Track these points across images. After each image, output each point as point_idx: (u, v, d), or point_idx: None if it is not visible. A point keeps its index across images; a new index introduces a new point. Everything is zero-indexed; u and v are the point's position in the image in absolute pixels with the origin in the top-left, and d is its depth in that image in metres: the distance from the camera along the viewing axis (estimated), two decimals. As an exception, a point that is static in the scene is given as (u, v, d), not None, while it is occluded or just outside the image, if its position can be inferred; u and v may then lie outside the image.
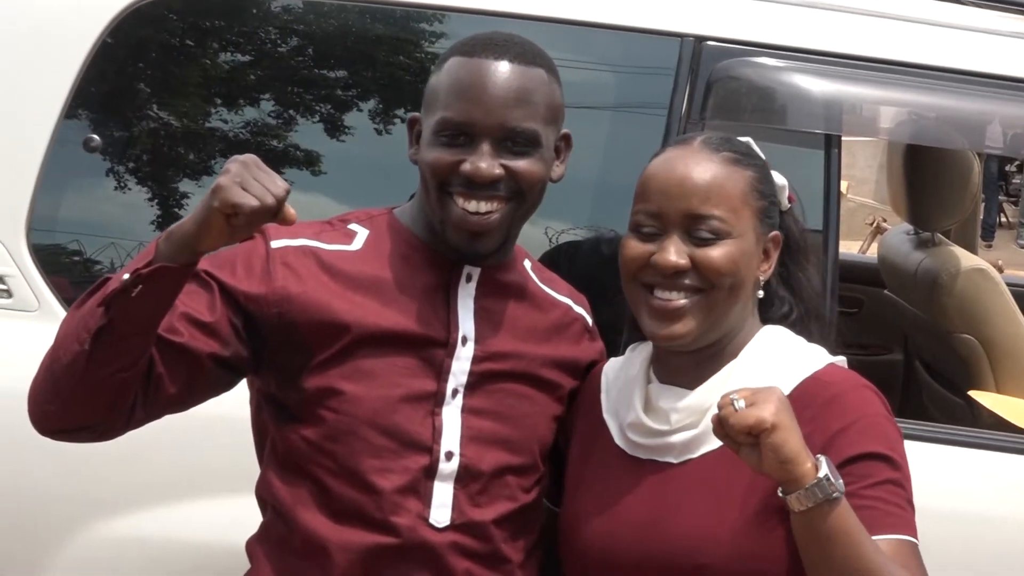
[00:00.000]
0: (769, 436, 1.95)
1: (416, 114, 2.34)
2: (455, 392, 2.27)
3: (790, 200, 2.34)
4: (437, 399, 2.26)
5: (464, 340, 2.28)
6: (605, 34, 3.06)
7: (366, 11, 3.21)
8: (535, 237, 2.89)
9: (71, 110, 2.95)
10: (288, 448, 2.26)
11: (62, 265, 3.00)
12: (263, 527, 2.32)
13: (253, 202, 1.97)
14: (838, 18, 3.09)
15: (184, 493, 2.81)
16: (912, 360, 4.59)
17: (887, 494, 2.10)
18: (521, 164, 2.24)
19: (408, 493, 2.23)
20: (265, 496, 2.31)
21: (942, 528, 2.58)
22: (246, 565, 2.32)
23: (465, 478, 2.26)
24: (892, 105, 3.24)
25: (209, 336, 2.19)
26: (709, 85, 2.94)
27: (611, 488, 2.25)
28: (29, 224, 2.90)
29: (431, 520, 2.24)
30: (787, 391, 2.10)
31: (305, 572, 2.24)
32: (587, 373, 2.42)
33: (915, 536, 2.10)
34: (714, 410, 2.04)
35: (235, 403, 2.37)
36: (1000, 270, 5.05)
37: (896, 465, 2.13)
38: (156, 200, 3.08)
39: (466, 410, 2.27)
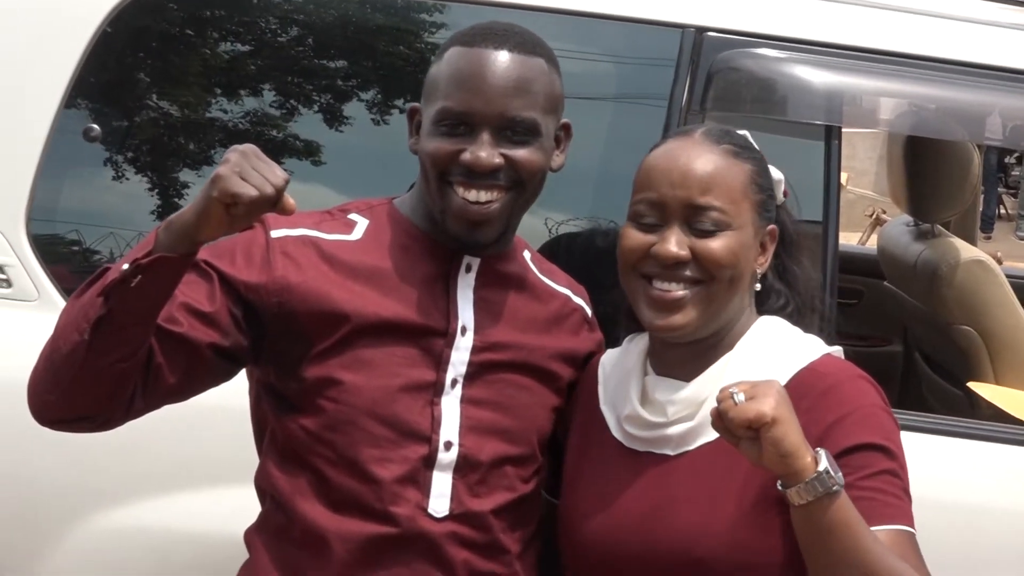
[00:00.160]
0: (769, 430, 1.95)
1: (416, 104, 2.34)
2: (454, 382, 2.27)
3: (784, 194, 2.34)
4: (436, 389, 2.26)
5: (463, 330, 2.28)
6: (606, 24, 3.06)
7: (366, 1, 3.21)
8: (535, 227, 2.88)
9: (71, 100, 2.95)
10: (287, 438, 2.26)
11: (62, 255, 3.00)
12: (262, 517, 2.32)
13: (252, 192, 1.96)
14: (839, 9, 3.08)
15: (183, 483, 2.81)
16: (911, 351, 4.59)
17: (884, 484, 2.10)
18: (521, 153, 2.24)
19: (407, 483, 2.23)
20: (264, 486, 2.31)
21: (941, 519, 2.59)
22: (245, 555, 2.32)
23: (464, 468, 2.26)
24: (892, 97, 3.24)
25: (209, 326, 2.19)
26: (710, 76, 2.94)
27: (609, 481, 2.25)
28: (29, 214, 2.90)
29: (430, 510, 2.24)
30: (783, 382, 2.10)
31: (304, 562, 2.24)
32: (586, 364, 2.42)
33: (912, 526, 2.10)
34: (710, 402, 2.04)
35: (234, 393, 2.37)
36: (999, 262, 5.05)
37: (892, 455, 2.14)
38: (156, 190, 3.08)
39: (465, 400, 2.27)
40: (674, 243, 2.19)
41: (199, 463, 2.81)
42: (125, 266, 2.02)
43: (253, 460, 2.35)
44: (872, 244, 7.17)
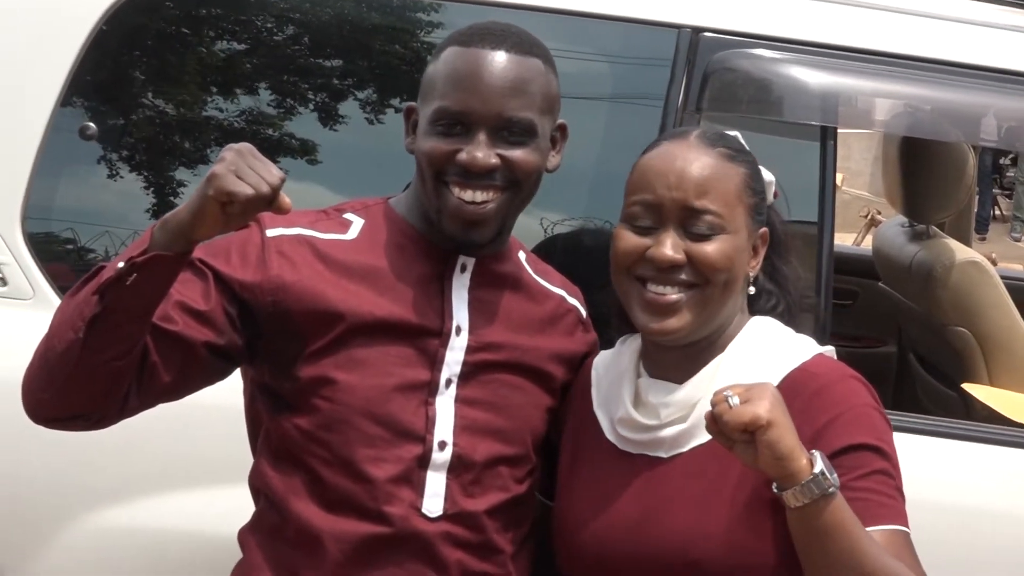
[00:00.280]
0: (765, 433, 1.95)
1: (413, 103, 2.34)
2: (448, 382, 2.27)
3: (774, 195, 2.34)
4: (431, 389, 2.26)
5: (458, 330, 2.29)
6: (602, 24, 3.06)
7: (362, 0, 3.21)
8: (530, 228, 2.89)
9: (67, 98, 2.94)
10: (281, 437, 2.26)
11: (57, 253, 3.00)
12: (256, 516, 2.32)
13: (248, 190, 1.96)
14: (835, 10, 3.08)
15: (178, 482, 2.81)
16: (906, 352, 4.59)
17: (878, 485, 2.10)
18: (517, 153, 2.24)
19: (401, 483, 2.23)
20: (258, 485, 2.31)
21: (935, 521, 2.59)
22: (238, 555, 2.32)
23: (458, 468, 2.26)
24: (888, 97, 3.24)
25: (203, 324, 2.19)
26: (706, 76, 2.94)
27: (603, 484, 2.25)
28: (24, 212, 2.90)
29: (424, 510, 2.24)
30: (775, 383, 2.11)
31: (297, 561, 2.24)
32: (581, 365, 2.42)
33: (907, 525, 2.11)
34: (703, 404, 2.04)
35: (229, 392, 2.37)
36: (994, 263, 5.07)
37: (885, 455, 2.14)
38: (152, 188, 3.07)
39: (459, 400, 2.27)
40: (670, 246, 2.19)
41: (193, 462, 2.81)
42: (120, 264, 2.02)
43: (247, 459, 2.35)
44: (867, 245, 7.18)
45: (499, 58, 2.24)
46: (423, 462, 2.24)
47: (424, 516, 2.24)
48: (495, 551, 2.30)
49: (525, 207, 2.34)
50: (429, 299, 2.29)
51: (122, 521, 2.79)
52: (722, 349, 2.25)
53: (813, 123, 3.02)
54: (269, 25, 3.20)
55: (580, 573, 2.27)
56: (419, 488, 2.24)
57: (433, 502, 2.24)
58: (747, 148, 2.31)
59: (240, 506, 2.35)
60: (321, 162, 3.13)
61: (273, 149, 3.05)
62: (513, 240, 2.42)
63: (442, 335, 2.28)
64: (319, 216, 2.33)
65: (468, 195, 2.23)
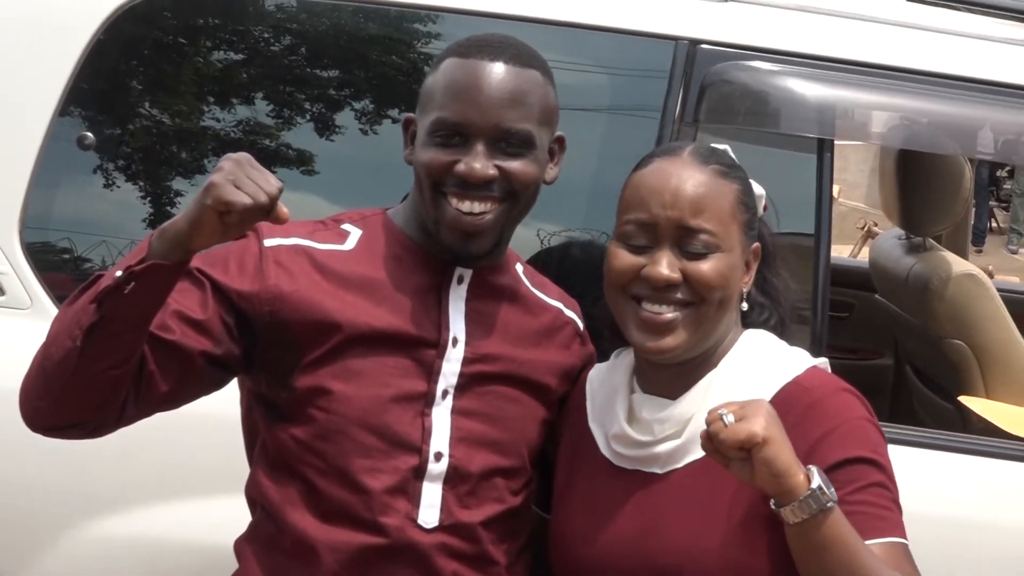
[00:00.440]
0: (761, 450, 1.95)
1: (411, 115, 2.34)
2: (445, 393, 2.27)
3: (764, 208, 2.34)
4: (427, 400, 2.26)
5: (455, 341, 2.29)
6: (600, 36, 3.06)
7: (359, 11, 3.20)
8: (528, 239, 2.89)
9: (65, 108, 2.95)
10: (278, 448, 2.26)
11: (55, 263, 3.00)
12: (252, 527, 2.32)
13: (246, 200, 1.97)
14: (832, 23, 3.09)
15: (174, 492, 2.81)
16: (902, 365, 4.59)
17: (874, 497, 2.10)
18: (515, 165, 2.24)
19: (397, 493, 2.23)
20: (254, 496, 2.31)
21: (931, 533, 2.58)
22: (234, 565, 2.32)
23: (454, 479, 2.26)
24: (885, 110, 3.24)
25: (201, 334, 2.19)
26: (703, 88, 2.94)
27: (599, 499, 2.25)
28: (22, 222, 2.90)
29: (419, 521, 2.24)
30: (768, 397, 2.11)
31: (293, 572, 2.24)
32: (577, 377, 2.42)
33: (905, 537, 2.11)
34: (697, 420, 2.04)
35: (226, 402, 2.37)
36: (991, 275, 5.07)
37: (881, 467, 2.14)
38: (149, 198, 3.08)
39: (456, 411, 2.27)
40: (665, 265, 2.18)
41: (190, 472, 2.81)
42: (118, 273, 2.02)
43: (244, 469, 2.35)
44: (863, 257, 7.18)
45: (497, 70, 2.24)
46: (419, 473, 2.24)
47: (420, 527, 2.24)
48: (491, 563, 2.29)
49: (523, 219, 2.34)
50: (426, 310, 2.29)
51: (119, 530, 2.79)
52: (715, 365, 2.24)
53: (810, 135, 3.02)
54: (267, 35, 3.21)
55: (576, 587, 2.27)
56: (415, 499, 2.24)
57: (429, 513, 2.24)
58: (738, 163, 2.31)
59: (236, 516, 2.35)
60: (319, 172, 3.13)
61: (271, 159, 3.04)
62: (511, 252, 2.43)
63: (439, 346, 2.28)
64: (317, 226, 2.34)
65: (466, 206, 2.23)
